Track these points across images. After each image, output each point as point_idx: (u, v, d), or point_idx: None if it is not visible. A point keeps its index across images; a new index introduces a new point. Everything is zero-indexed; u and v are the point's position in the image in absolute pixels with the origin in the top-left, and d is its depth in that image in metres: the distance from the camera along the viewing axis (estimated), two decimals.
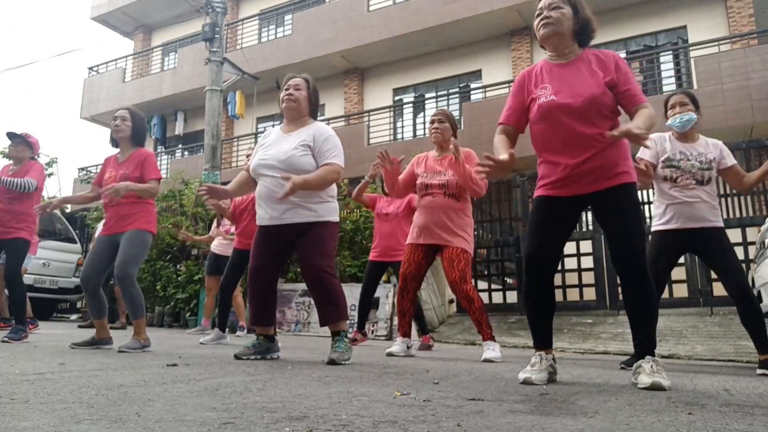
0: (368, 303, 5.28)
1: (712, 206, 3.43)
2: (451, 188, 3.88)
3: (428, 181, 3.94)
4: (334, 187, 3.23)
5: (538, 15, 2.47)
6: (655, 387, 2.14)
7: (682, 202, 3.42)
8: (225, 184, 10.68)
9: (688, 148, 3.49)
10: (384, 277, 6.45)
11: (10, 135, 4.45)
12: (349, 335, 5.22)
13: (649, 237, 3.52)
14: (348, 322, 3.25)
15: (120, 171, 3.74)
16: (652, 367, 2.24)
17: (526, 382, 2.27)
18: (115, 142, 3.89)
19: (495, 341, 3.88)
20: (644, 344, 2.32)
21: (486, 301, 8.05)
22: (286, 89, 3.26)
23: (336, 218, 3.23)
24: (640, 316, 2.33)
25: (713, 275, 6.80)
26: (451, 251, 3.85)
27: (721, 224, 3.48)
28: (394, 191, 4.05)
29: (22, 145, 4.44)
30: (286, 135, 3.22)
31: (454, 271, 3.82)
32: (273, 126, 3.44)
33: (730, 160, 3.52)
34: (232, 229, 6.13)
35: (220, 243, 6.18)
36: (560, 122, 2.35)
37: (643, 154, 3.52)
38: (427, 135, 4.30)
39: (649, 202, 7.83)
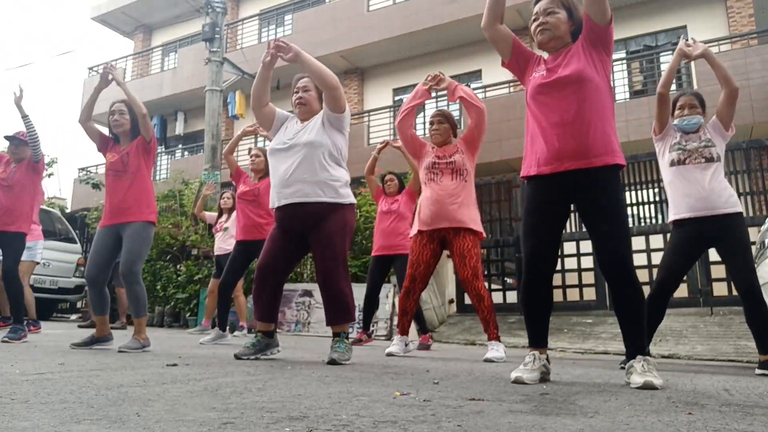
0: (374, 303, 5.27)
1: (724, 188, 3.38)
2: (458, 165, 3.89)
3: (436, 159, 3.95)
4: (346, 175, 3.25)
5: (534, 20, 2.50)
6: (647, 386, 2.14)
7: (693, 184, 3.39)
8: (225, 185, 10.55)
9: (691, 135, 3.52)
10: None
11: (8, 138, 4.56)
12: (353, 335, 5.23)
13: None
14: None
15: (122, 153, 3.79)
16: (643, 366, 2.24)
17: (517, 381, 2.27)
18: (115, 137, 3.89)
19: (500, 342, 3.87)
20: (634, 344, 2.33)
21: None
22: (296, 92, 3.33)
23: (351, 200, 3.23)
24: (628, 318, 2.34)
25: (713, 275, 6.80)
26: (461, 245, 3.84)
27: (738, 209, 3.40)
28: (405, 137, 4.08)
29: (22, 146, 4.51)
30: (303, 123, 3.29)
31: (466, 268, 3.82)
32: None
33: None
34: (226, 224, 6.21)
35: (220, 245, 6.22)
36: (549, 96, 2.39)
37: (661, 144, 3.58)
38: (427, 135, 4.29)
39: (649, 203, 7.83)
